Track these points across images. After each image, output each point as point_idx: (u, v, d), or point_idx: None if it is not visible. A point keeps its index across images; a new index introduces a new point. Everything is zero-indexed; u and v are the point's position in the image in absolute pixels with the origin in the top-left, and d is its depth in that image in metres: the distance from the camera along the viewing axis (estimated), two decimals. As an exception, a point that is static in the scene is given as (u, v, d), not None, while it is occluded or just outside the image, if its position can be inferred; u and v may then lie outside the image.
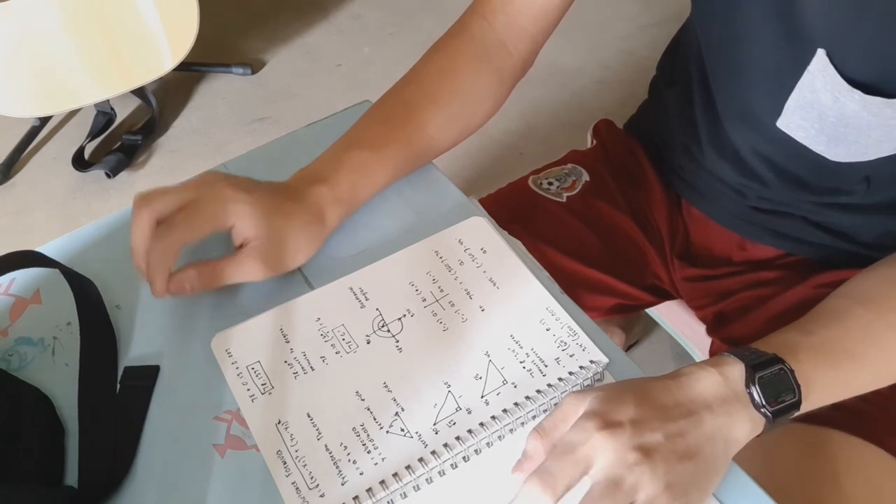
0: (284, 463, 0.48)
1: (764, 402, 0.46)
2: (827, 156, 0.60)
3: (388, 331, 0.54)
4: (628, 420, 0.44)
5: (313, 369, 0.52)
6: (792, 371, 0.47)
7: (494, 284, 0.56)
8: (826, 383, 0.49)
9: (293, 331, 0.55)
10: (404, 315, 0.55)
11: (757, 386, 0.46)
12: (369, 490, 0.46)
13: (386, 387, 0.51)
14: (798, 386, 0.47)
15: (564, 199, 0.77)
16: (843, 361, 0.50)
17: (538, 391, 0.50)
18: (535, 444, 0.46)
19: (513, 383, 0.51)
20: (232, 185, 0.53)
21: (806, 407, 0.48)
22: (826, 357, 0.50)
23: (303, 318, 0.55)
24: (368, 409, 0.50)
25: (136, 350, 0.54)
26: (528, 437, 0.46)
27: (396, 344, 0.54)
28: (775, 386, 0.47)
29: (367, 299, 0.56)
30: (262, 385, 0.52)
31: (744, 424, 0.46)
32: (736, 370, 0.47)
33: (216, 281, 0.54)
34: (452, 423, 0.49)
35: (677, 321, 0.88)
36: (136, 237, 0.52)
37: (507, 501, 0.44)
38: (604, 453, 0.43)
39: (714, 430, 0.45)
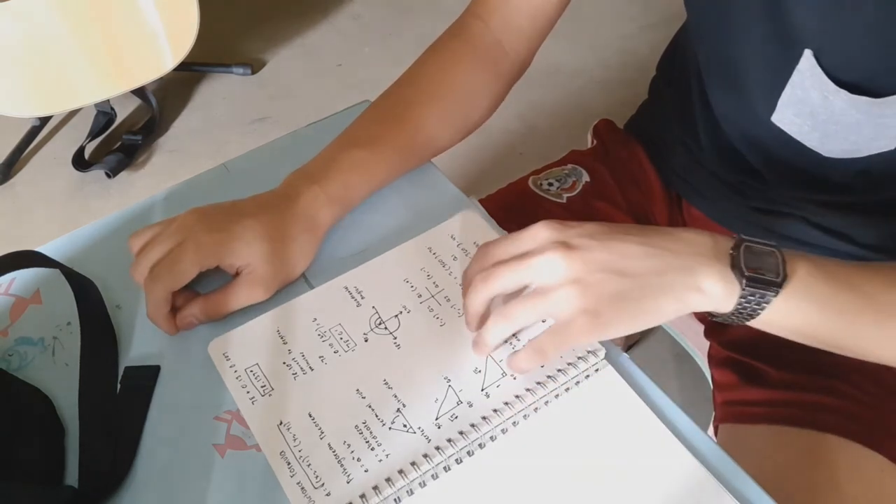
0: (288, 463, 0.48)
1: (742, 266, 0.44)
2: (821, 152, 0.60)
3: (386, 328, 0.54)
4: (584, 233, 0.46)
5: (312, 369, 0.52)
6: (784, 260, 0.45)
7: None
8: (815, 294, 0.45)
9: (290, 332, 0.55)
10: (401, 312, 0.55)
11: (741, 250, 0.45)
12: (375, 488, 0.46)
13: (386, 384, 0.51)
14: (785, 274, 0.44)
15: (564, 200, 0.77)
16: (843, 290, 0.46)
17: (538, 383, 0.50)
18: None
19: (512, 375, 0.51)
20: (208, 228, 0.54)
21: (786, 307, 0.44)
22: (826, 275, 0.46)
23: (300, 319, 0.55)
24: (370, 407, 0.50)
25: (136, 350, 0.54)
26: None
27: (394, 341, 0.54)
28: (760, 259, 0.44)
29: (363, 298, 0.56)
30: (262, 387, 0.52)
31: (711, 276, 0.44)
32: (728, 240, 0.46)
33: (220, 312, 0.55)
34: (454, 416, 0.49)
35: (677, 321, 0.88)
36: (136, 278, 0.55)
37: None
38: (541, 248, 0.46)
39: (668, 268, 0.45)
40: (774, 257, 0.45)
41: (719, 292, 0.45)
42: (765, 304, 0.45)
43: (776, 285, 0.44)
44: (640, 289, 0.44)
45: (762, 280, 0.44)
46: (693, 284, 0.44)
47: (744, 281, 0.44)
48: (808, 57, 0.54)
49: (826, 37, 0.53)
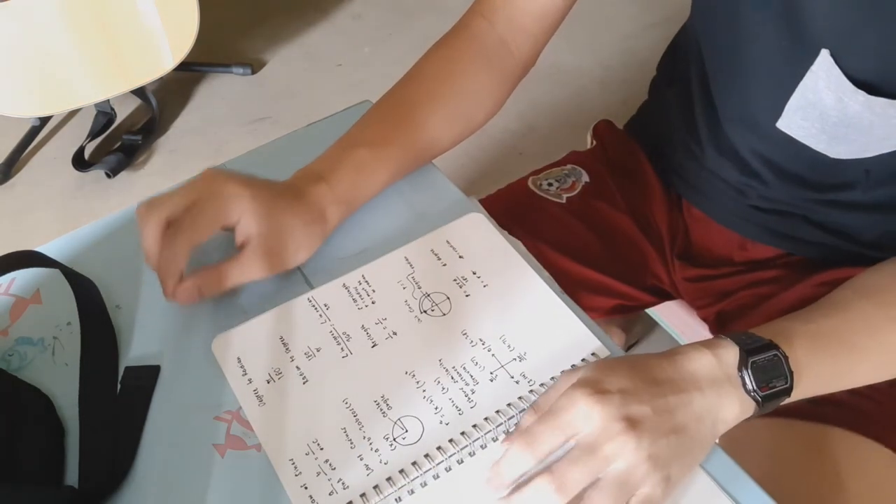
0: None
1: (755, 387, 0.47)
2: (828, 153, 0.60)
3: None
4: (618, 390, 0.44)
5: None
6: (786, 357, 0.48)
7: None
8: (820, 372, 0.49)
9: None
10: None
11: (749, 370, 0.47)
12: (376, 487, 0.46)
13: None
14: (791, 373, 0.47)
15: (564, 200, 0.77)
16: (840, 352, 0.50)
17: (541, 384, 0.50)
18: (528, 419, 0.47)
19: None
20: (233, 181, 0.54)
21: (797, 394, 0.48)
22: (823, 346, 0.50)
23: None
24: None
25: (136, 350, 0.54)
26: (524, 413, 0.48)
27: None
28: (767, 371, 0.47)
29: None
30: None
31: (733, 407, 0.47)
32: (730, 353, 0.48)
33: (222, 284, 0.54)
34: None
35: (677, 321, 0.88)
36: (146, 242, 0.53)
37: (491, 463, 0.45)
38: (590, 420, 0.43)
39: (702, 410, 0.46)
40: (779, 362, 0.48)
41: (741, 415, 0.47)
42: (781, 402, 0.48)
43: (788, 390, 0.48)
44: (691, 439, 0.45)
45: (776, 393, 0.47)
46: (721, 419, 0.47)
47: (760, 401, 0.47)
48: (825, 57, 0.53)
49: (845, 36, 0.52)
